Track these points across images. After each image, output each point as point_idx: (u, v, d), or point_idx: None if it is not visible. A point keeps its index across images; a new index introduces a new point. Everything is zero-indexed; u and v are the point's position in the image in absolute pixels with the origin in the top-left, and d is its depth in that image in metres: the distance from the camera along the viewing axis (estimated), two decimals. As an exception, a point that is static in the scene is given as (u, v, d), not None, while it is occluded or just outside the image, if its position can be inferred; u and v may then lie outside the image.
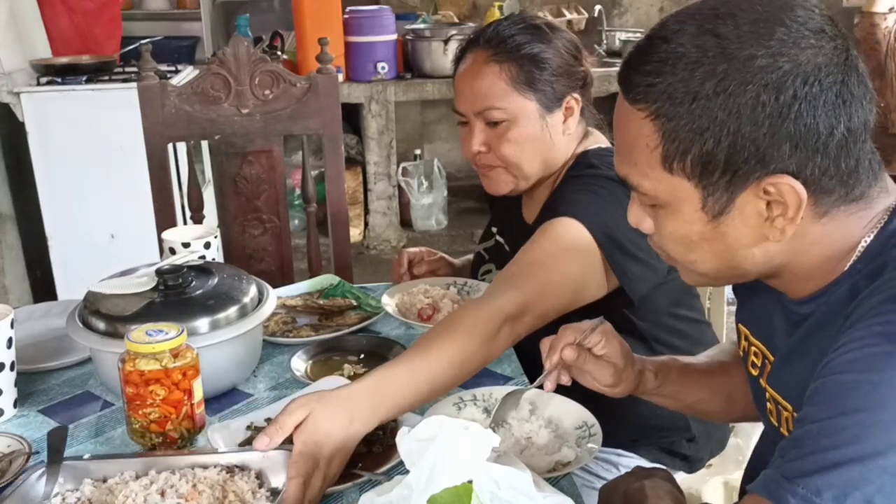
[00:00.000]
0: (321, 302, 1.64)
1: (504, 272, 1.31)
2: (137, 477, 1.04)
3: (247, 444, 1.14)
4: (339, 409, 1.05)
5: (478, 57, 1.40)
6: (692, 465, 1.56)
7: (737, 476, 1.60)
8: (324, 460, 1.01)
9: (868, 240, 0.85)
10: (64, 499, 1.02)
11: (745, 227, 0.85)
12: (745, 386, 1.12)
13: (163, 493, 0.99)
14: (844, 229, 0.86)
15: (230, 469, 1.04)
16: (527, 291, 1.24)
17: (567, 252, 1.30)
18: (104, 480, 1.05)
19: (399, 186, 4.36)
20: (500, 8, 4.57)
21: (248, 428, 1.18)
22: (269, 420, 1.18)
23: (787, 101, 0.79)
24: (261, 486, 1.03)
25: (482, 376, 1.37)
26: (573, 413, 1.19)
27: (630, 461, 1.50)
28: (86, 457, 1.10)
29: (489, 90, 1.38)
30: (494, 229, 1.65)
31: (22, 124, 2.84)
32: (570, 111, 1.43)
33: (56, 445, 1.08)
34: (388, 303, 1.57)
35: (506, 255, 1.55)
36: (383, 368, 1.14)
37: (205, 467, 1.04)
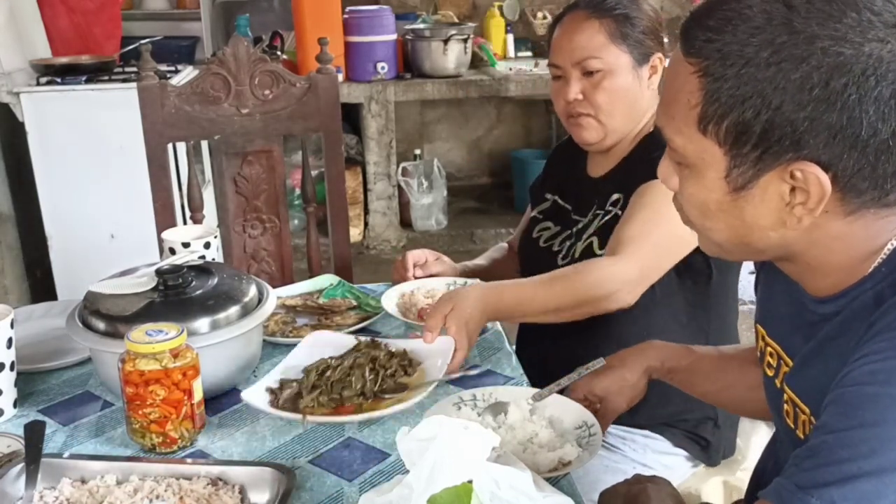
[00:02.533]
0: (321, 302, 1.64)
1: (620, 234, 1.44)
2: (119, 483, 1.05)
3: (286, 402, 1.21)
4: (473, 300, 1.31)
5: (577, 16, 1.54)
6: (711, 457, 1.59)
7: (736, 476, 1.60)
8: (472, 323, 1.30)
9: (895, 243, 0.83)
10: (42, 496, 1.03)
11: (764, 207, 0.83)
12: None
13: (149, 503, 1.00)
14: (870, 231, 0.84)
15: (214, 482, 1.04)
16: (642, 259, 1.40)
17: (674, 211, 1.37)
18: (83, 481, 1.05)
19: (399, 186, 4.36)
20: (500, 8, 4.57)
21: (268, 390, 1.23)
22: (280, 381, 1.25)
23: (837, 89, 0.76)
24: (243, 500, 1.03)
25: (482, 376, 1.38)
26: (573, 413, 1.20)
27: (657, 443, 1.55)
28: (65, 455, 1.10)
29: (588, 42, 1.51)
30: (548, 195, 1.72)
31: (22, 124, 2.84)
32: (654, 69, 1.56)
33: (34, 441, 1.08)
34: (388, 303, 1.57)
35: (564, 212, 1.65)
36: (512, 285, 1.40)
37: (187, 478, 1.05)
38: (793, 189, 0.81)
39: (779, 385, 0.98)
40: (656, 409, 1.51)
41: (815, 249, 0.86)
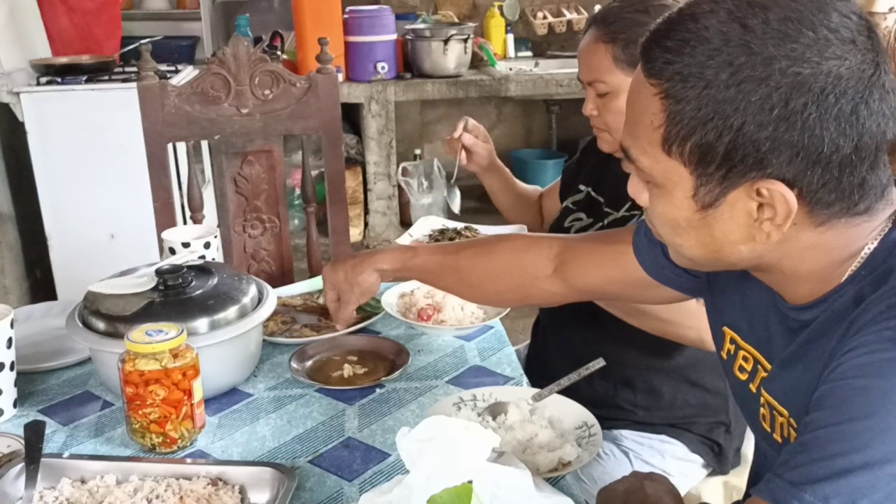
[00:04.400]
0: (321, 302, 1.64)
1: None
2: (119, 483, 1.05)
3: None
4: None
5: (590, 35, 1.54)
6: (722, 463, 1.60)
7: (736, 476, 1.60)
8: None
9: (871, 247, 0.84)
10: (42, 496, 1.03)
11: (733, 223, 0.84)
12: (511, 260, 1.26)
13: (149, 503, 1.00)
14: (844, 239, 0.84)
15: (214, 482, 1.04)
16: None
17: None
18: (83, 481, 1.05)
19: (399, 186, 4.36)
20: (500, 8, 4.57)
21: None
22: None
23: (797, 108, 0.76)
24: (243, 500, 1.03)
25: (483, 376, 1.38)
26: (573, 413, 1.20)
27: (675, 449, 1.57)
28: (65, 455, 1.10)
29: (597, 65, 1.51)
30: (582, 186, 1.74)
31: (22, 124, 2.84)
32: None
33: (34, 441, 1.08)
34: (389, 303, 1.57)
35: (596, 204, 1.67)
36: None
37: (187, 478, 1.05)
38: (760, 205, 0.81)
39: (754, 390, 0.98)
40: (671, 411, 1.55)
41: (788, 260, 0.86)
